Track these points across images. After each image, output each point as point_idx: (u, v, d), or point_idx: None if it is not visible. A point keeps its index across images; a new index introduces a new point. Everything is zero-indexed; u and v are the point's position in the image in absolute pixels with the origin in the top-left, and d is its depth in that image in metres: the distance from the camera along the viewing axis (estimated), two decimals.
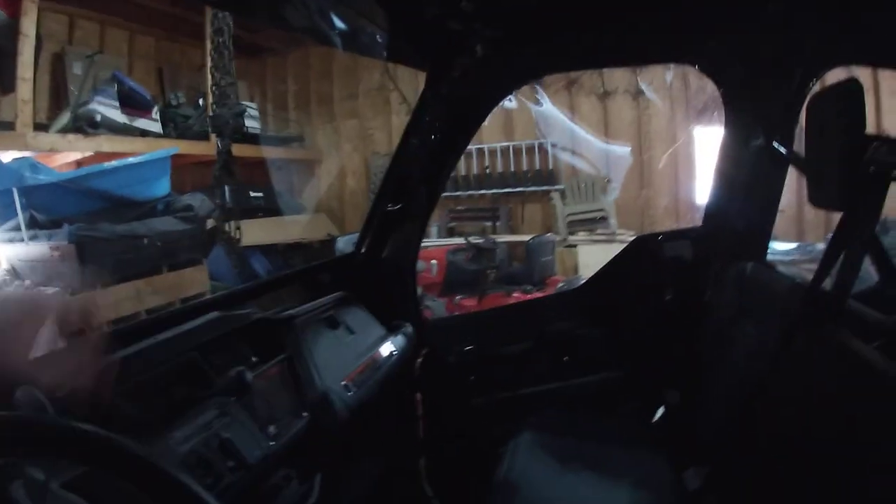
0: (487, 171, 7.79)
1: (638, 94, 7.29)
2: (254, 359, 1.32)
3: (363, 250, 1.88)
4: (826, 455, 0.97)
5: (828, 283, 1.11)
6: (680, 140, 7.19)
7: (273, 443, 1.17)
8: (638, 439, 1.66)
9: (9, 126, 4.94)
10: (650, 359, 1.89)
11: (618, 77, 7.29)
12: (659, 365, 1.85)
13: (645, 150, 7.36)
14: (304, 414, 1.31)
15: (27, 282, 4.96)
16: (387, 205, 1.84)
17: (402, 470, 1.93)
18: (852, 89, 0.91)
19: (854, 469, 0.90)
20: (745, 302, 1.47)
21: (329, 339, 1.54)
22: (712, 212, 1.84)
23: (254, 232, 6.42)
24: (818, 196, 0.98)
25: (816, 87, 1.37)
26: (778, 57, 1.48)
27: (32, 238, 4.98)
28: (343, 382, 1.41)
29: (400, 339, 1.74)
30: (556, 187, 7.48)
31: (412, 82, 7.17)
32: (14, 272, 5.10)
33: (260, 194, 7.31)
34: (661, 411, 1.84)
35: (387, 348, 1.67)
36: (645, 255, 1.99)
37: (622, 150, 7.20)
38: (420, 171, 1.82)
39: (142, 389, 1.04)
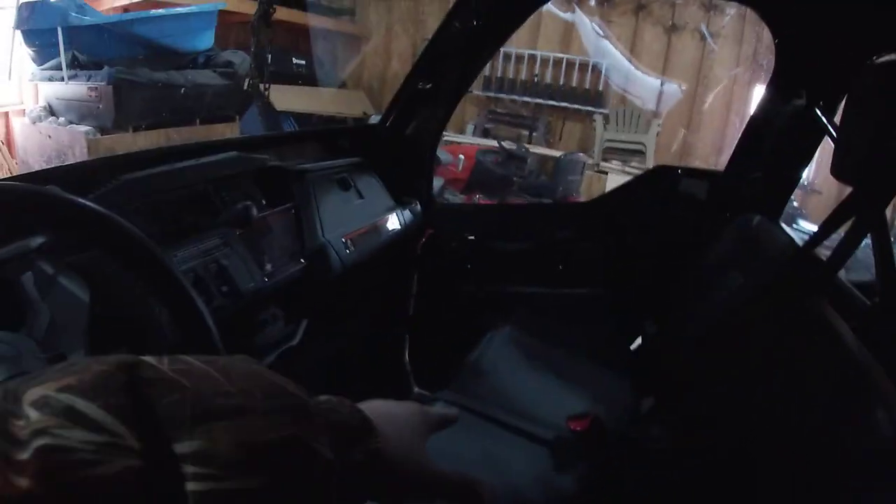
0: (536, 79, 7.57)
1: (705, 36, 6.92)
2: (263, 202, 1.37)
3: (388, 124, 1.89)
4: (771, 415, 1.00)
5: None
6: (733, 89, 6.87)
7: (267, 280, 1.24)
8: (608, 359, 1.71)
9: None
10: (639, 287, 1.93)
11: (689, 14, 6.89)
12: (646, 295, 1.89)
13: (699, 95, 7.08)
14: (302, 261, 1.38)
15: (61, 119, 5.07)
16: (418, 83, 1.83)
17: (385, 340, 2.03)
18: None
19: (792, 437, 0.92)
20: (740, 252, 1.47)
21: (338, 198, 1.58)
22: (737, 161, 1.82)
23: (289, 98, 6.38)
24: (840, 167, 0.96)
25: None
26: (843, 27, 1.39)
27: (72, 77, 5.01)
28: (343, 239, 1.47)
29: (407, 213, 1.79)
30: (601, 111, 7.30)
31: None
32: (50, 109, 5.20)
33: (303, 62, 7.21)
34: (638, 340, 1.89)
35: (393, 220, 1.72)
36: (661, 184, 1.98)
37: (674, 88, 6.94)
38: (456, 55, 1.78)
39: (153, 210, 1.10)
